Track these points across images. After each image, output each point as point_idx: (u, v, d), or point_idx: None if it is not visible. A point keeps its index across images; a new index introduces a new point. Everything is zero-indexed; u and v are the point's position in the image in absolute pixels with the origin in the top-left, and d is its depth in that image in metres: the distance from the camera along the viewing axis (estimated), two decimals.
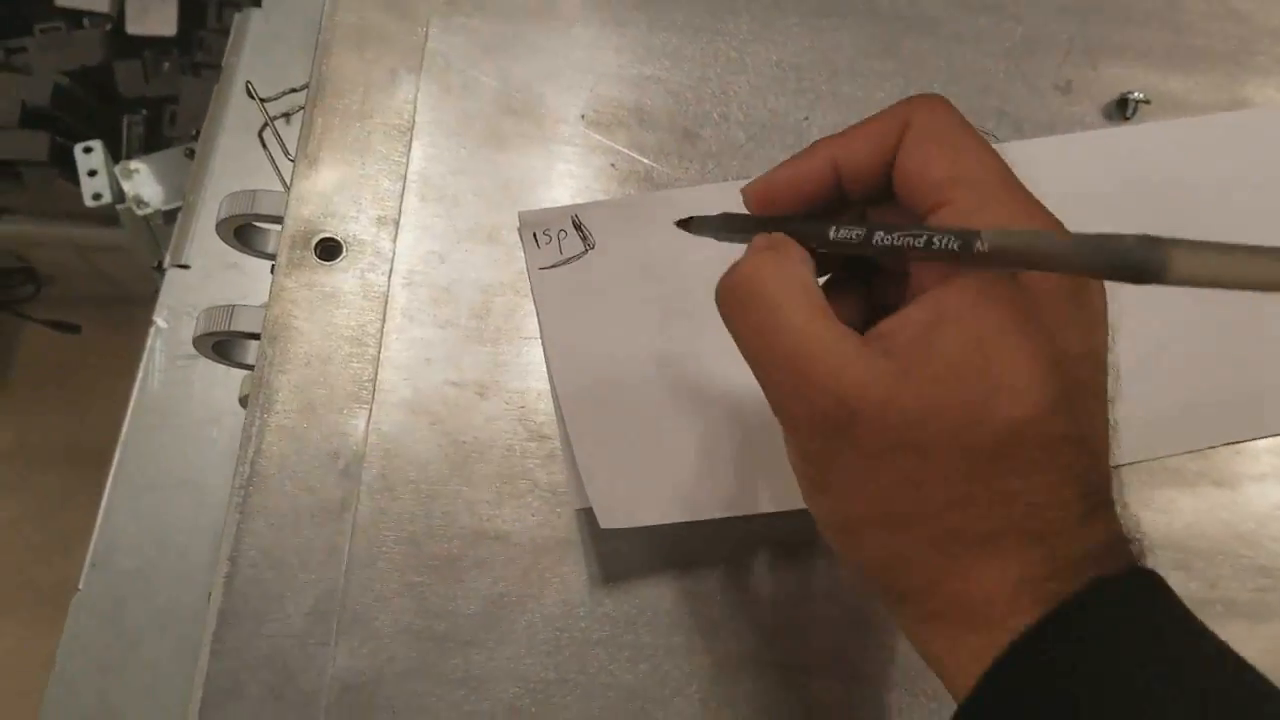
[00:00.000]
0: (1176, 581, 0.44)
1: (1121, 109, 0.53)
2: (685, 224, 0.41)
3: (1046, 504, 0.29)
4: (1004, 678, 0.29)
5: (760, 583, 0.43)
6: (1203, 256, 0.24)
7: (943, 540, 0.30)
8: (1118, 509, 0.31)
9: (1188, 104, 0.54)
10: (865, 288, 0.37)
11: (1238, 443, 0.48)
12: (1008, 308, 0.29)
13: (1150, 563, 0.43)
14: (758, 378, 0.33)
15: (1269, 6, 0.58)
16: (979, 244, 0.28)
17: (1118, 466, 0.46)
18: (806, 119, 0.51)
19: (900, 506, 0.30)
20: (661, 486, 0.43)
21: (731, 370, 0.45)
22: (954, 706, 0.30)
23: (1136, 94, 0.53)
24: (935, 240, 0.30)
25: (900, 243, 0.31)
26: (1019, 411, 0.29)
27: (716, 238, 0.39)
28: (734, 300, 0.34)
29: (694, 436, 0.44)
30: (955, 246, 0.29)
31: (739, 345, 0.34)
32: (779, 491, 0.43)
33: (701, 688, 0.41)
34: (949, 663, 0.30)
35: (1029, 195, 0.32)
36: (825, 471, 0.32)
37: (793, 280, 0.32)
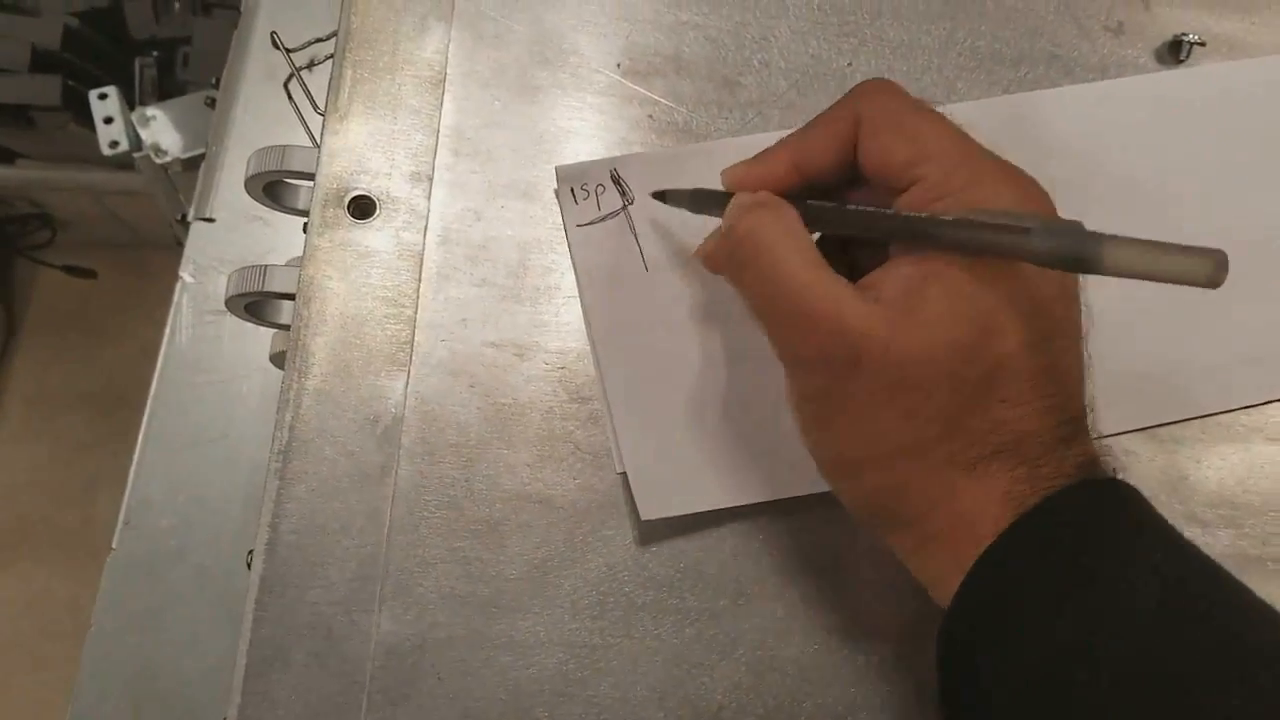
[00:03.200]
0: (1227, 538, 0.44)
1: (1175, 51, 0.52)
2: (660, 195, 0.43)
3: (1030, 430, 0.33)
4: (980, 576, 0.32)
5: (806, 547, 0.42)
6: (1129, 252, 0.28)
7: (939, 467, 0.33)
8: (1094, 438, 0.35)
9: (1244, 45, 0.53)
10: (844, 255, 0.39)
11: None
12: (987, 262, 0.33)
13: (1201, 519, 0.43)
14: (764, 325, 0.36)
15: None
16: (943, 220, 0.33)
17: (1176, 422, 0.46)
18: (850, 64, 0.50)
19: (900, 439, 0.33)
20: (701, 473, 0.42)
21: None
22: None
23: (1191, 36, 0.51)
24: (902, 214, 0.34)
25: (872, 211, 0.35)
26: (1004, 349, 0.32)
27: (692, 210, 0.41)
28: (738, 256, 0.36)
29: (734, 408, 0.43)
30: (922, 217, 0.33)
31: (745, 296, 0.37)
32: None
33: (748, 652, 0.41)
34: (947, 578, 0.33)
35: (988, 158, 0.35)
36: (828, 411, 0.35)
37: (791, 233, 0.35)
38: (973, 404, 0.33)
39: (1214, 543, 0.44)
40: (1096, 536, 0.32)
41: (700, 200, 0.41)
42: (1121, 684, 0.29)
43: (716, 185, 0.44)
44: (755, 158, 0.39)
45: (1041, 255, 0.31)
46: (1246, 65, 0.52)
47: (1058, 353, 0.34)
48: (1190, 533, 0.44)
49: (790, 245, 0.35)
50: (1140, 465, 0.45)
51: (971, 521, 0.33)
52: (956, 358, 0.32)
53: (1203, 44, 0.51)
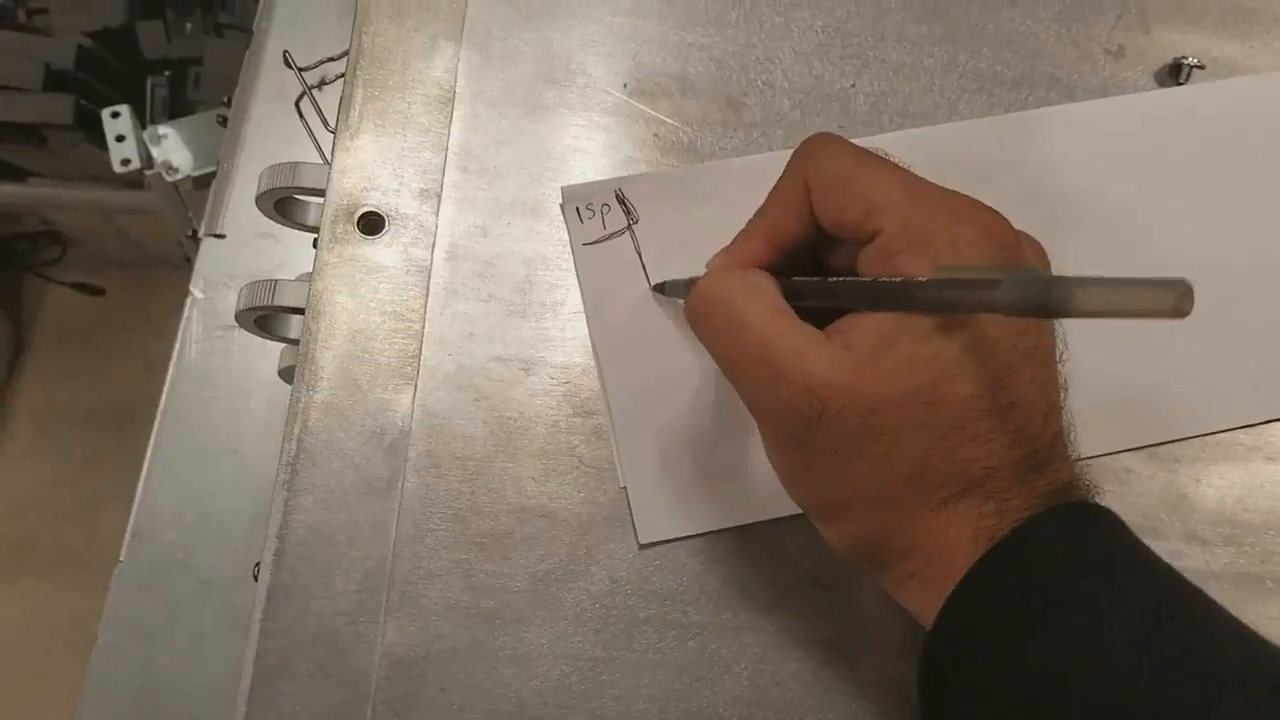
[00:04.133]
0: (1227, 556, 0.45)
1: (1174, 74, 0.52)
2: (659, 288, 0.45)
3: (997, 466, 0.33)
4: (954, 607, 0.33)
5: (808, 561, 0.43)
6: (1096, 293, 0.28)
7: (912, 511, 0.34)
8: (1071, 460, 0.35)
9: (1242, 69, 0.53)
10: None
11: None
12: (931, 324, 0.33)
13: (1201, 538, 0.44)
14: (731, 380, 0.37)
15: None
16: (916, 286, 0.33)
17: (1176, 440, 0.46)
18: (853, 86, 0.50)
19: (871, 486, 0.34)
20: (703, 493, 0.43)
21: None
22: None
23: (1190, 59, 0.52)
24: (879, 281, 0.35)
25: (851, 282, 0.36)
26: (966, 390, 0.33)
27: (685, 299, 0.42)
28: (702, 309, 0.38)
29: (735, 428, 0.44)
30: (897, 281, 0.34)
31: (711, 352, 0.38)
32: None
33: (750, 666, 0.41)
34: (929, 612, 0.34)
35: (939, 200, 0.35)
36: (801, 462, 0.36)
37: (754, 287, 0.36)
38: (938, 447, 0.33)
39: (1213, 561, 0.44)
40: (1065, 563, 0.32)
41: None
42: (1093, 713, 0.30)
43: (720, 202, 0.45)
44: (731, 246, 0.40)
45: (1011, 307, 0.31)
46: (1245, 82, 0.53)
47: (1022, 386, 0.34)
48: (1190, 551, 0.44)
49: (753, 295, 0.36)
50: (1140, 483, 0.45)
51: (947, 558, 0.34)
52: (920, 403, 0.33)
53: (1202, 67, 0.52)
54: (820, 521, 0.37)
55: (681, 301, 0.45)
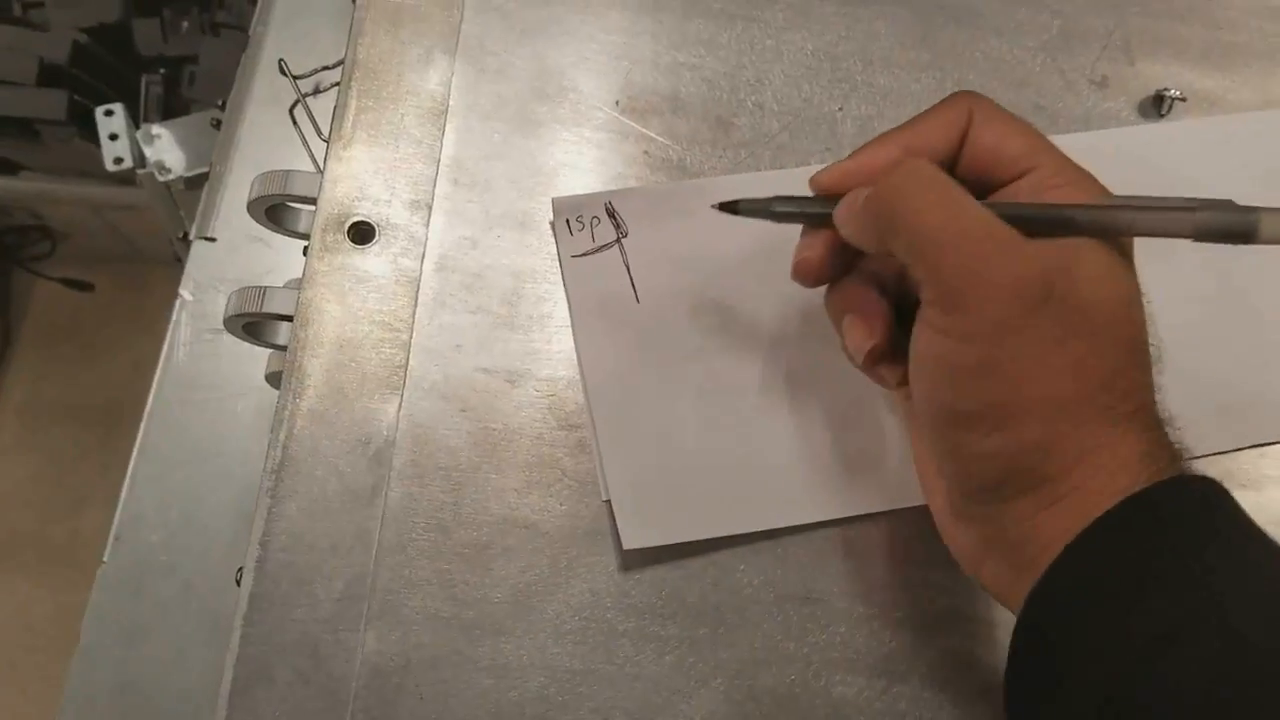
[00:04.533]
0: None
1: (1157, 105, 0.53)
2: (730, 207, 0.41)
3: (1153, 400, 0.35)
4: (1112, 522, 0.32)
5: (785, 578, 0.43)
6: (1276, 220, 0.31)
7: (1092, 420, 0.33)
8: None
9: (1224, 102, 0.54)
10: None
11: (1264, 445, 0.48)
12: (1113, 249, 0.35)
13: None
14: (935, 259, 0.34)
15: None
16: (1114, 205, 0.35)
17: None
18: (840, 109, 0.51)
19: (1066, 386, 0.33)
20: (687, 501, 0.43)
21: (761, 362, 0.45)
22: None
23: (1173, 91, 0.53)
24: (1080, 215, 0.35)
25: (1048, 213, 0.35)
26: (1141, 316, 0.34)
27: (772, 219, 0.40)
28: (914, 182, 0.35)
29: (722, 438, 0.44)
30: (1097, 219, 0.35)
31: (915, 226, 0.34)
32: (810, 501, 0.44)
33: (725, 680, 0.42)
34: (1063, 538, 0.33)
35: (1079, 165, 0.37)
36: (996, 353, 0.33)
37: (946, 179, 0.35)
38: (1126, 359, 0.34)
39: None
40: (1211, 524, 0.32)
41: (783, 206, 0.40)
42: (1214, 667, 0.30)
43: (708, 220, 0.45)
44: (852, 155, 0.39)
45: (1206, 230, 0.33)
46: (1226, 121, 0.53)
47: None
48: None
49: (954, 184, 0.35)
50: None
51: (1112, 475, 0.33)
52: (1121, 310, 0.34)
53: (1184, 99, 0.53)
54: (982, 429, 0.34)
55: (668, 305, 0.45)
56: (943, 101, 0.39)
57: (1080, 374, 0.33)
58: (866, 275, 0.40)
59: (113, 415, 1.53)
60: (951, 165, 0.38)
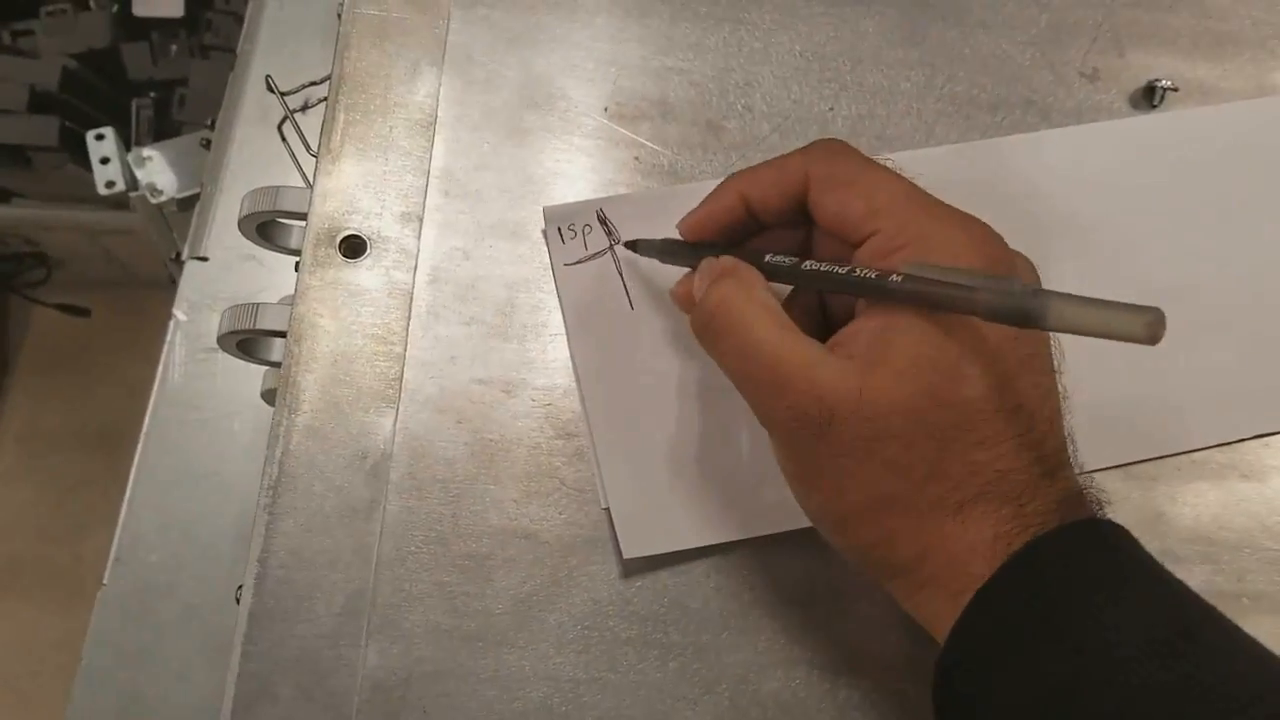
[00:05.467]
0: (1203, 574, 0.45)
1: (1148, 97, 0.53)
2: (632, 245, 0.45)
3: (1009, 469, 0.34)
4: (973, 616, 0.33)
5: (788, 582, 0.43)
6: (1072, 310, 0.30)
7: (925, 515, 0.34)
8: (1075, 472, 0.36)
9: (1216, 91, 0.54)
10: (818, 304, 0.41)
11: (1267, 435, 0.48)
12: (929, 319, 0.34)
13: (1177, 555, 0.44)
14: (743, 394, 0.37)
15: None
16: (893, 279, 0.34)
17: (1152, 459, 0.46)
18: (831, 109, 0.51)
19: (884, 490, 0.34)
20: (685, 510, 0.43)
21: None
22: None
23: (1164, 81, 0.53)
24: (856, 272, 0.35)
25: (826, 270, 0.36)
26: (971, 392, 0.33)
27: (660, 260, 0.44)
28: (711, 328, 0.38)
29: (718, 445, 0.44)
30: (873, 277, 0.35)
31: (720, 364, 0.38)
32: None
33: (730, 687, 0.41)
34: (943, 619, 0.34)
35: (939, 207, 0.37)
36: (813, 470, 0.36)
37: (758, 302, 0.37)
38: (949, 448, 0.34)
39: (1190, 578, 0.44)
40: (1082, 579, 0.32)
41: (669, 250, 0.43)
42: None
43: None
44: (704, 201, 0.41)
45: (989, 312, 0.32)
46: (1217, 111, 0.53)
47: (1026, 391, 0.35)
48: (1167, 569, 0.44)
49: (759, 312, 0.37)
50: (1116, 503, 0.45)
51: (964, 564, 0.34)
52: (927, 404, 0.33)
53: (1175, 89, 0.53)
54: (833, 531, 0.37)
55: (662, 311, 0.45)
56: (787, 157, 0.40)
57: (895, 474, 0.34)
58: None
59: (112, 439, 1.53)
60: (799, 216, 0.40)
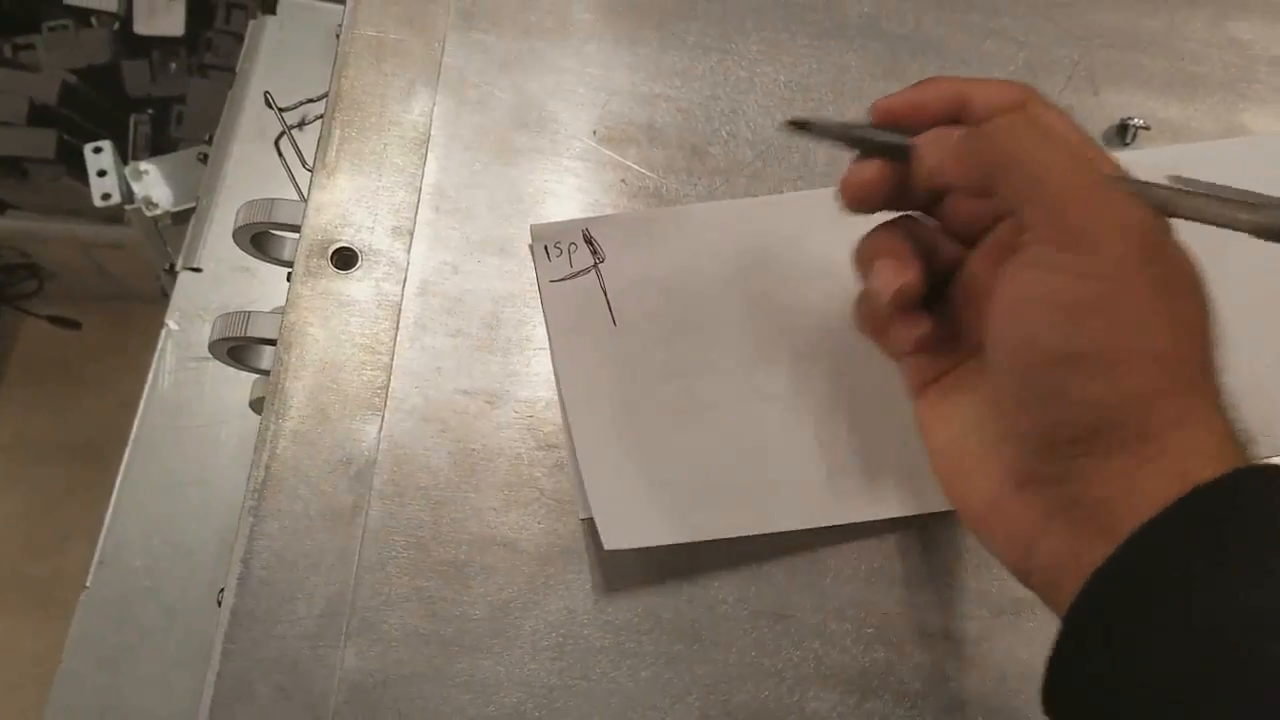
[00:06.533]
0: None
1: (1121, 134, 0.54)
2: (801, 125, 0.40)
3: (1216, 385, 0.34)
4: (1195, 505, 0.31)
5: (760, 594, 0.44)
6: None
7: (1193, 383, 0.33)
8: None
9: (1186, 130, 0.56)
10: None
11: None
12: None
13: None
14: (1050, 198, 0.34)
15: (1268, 35, 0.59)
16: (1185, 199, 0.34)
17: None
18: None
19: (1169, 343, 0.33)
20: (665, 507, 0.44)
21: (736, 383, 0.46)
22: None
23: (1136, 120, 0.54)
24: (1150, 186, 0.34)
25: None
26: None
27: (836, 140, 0.40)
28: (1034, 128, 0.35)
29: (698, 454, 0.45)
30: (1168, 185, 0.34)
31: (1033, 165, 0.35)
32: (782, 511, 0.45)
33: (701, 696, 0.42)
34: (1155, 500, 0.31)
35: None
36: (1115, 292, 0.33)
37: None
38: (1212, 332, 0.34)
39: None
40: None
41: (857, 133, 0.40)
42: None
43: (683, 244, 0.46)
44: (910, 88, 0.39)
45: (1266, 228, 0.32)
46: (1187, 150, 0.55)
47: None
48: None
49: (1072, 133, 0.37)
50: None
51: (1206, 444, 0.32)
52: (1204, 284, 0.34)
53: (1147, 128, 0.54)
54: (1096, 371, 0.33)
55: (644, 327, 0.46)
56: (1004, 82, 0.38)
57: (1184, 331, 0.33)
58: (902, 230, 0.40)
59: (99, 452, 1.52)
60: None
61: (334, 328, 0.46)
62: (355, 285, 0.46)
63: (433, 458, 0.44)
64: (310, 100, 0.59)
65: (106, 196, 1.02)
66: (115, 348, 1.63)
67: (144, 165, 0.96)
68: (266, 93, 0.53)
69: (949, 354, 0.40)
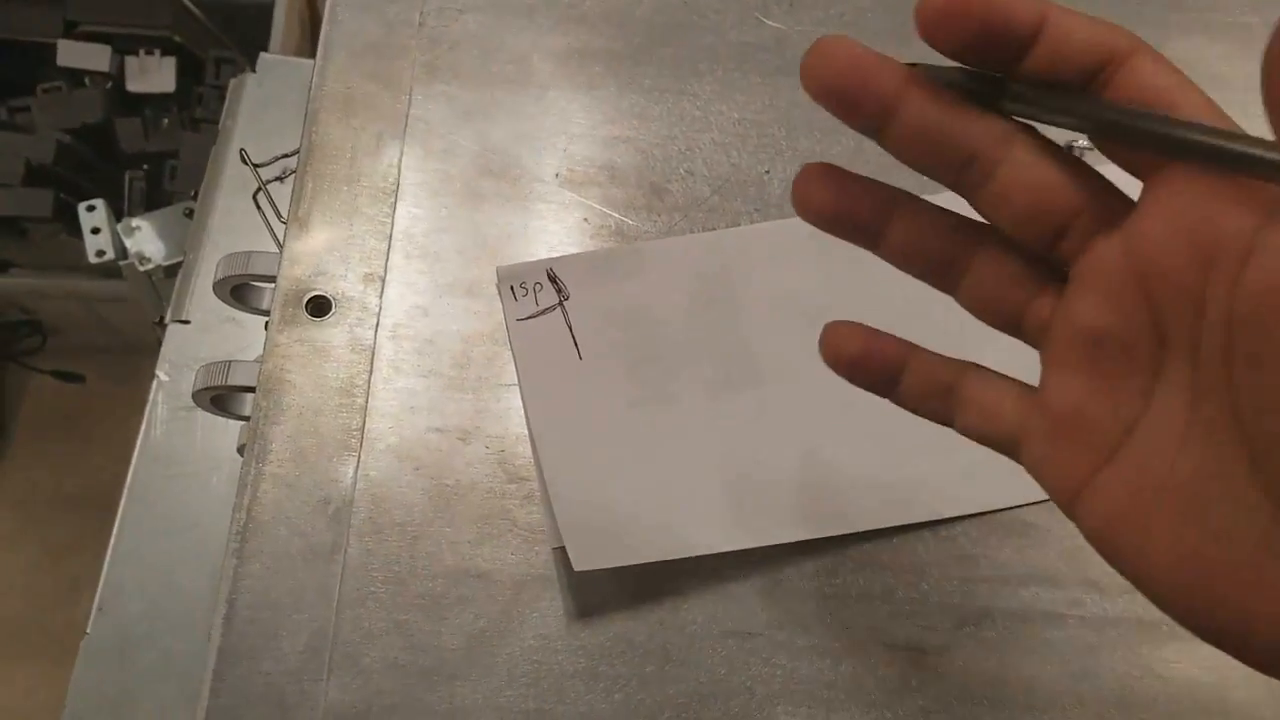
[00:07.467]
0: (1123, 603, 0.47)
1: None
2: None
3: None
4: None
5: (728, 613, 0.46)
6: None
7: None
8: None
9: None
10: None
11: None
12: None
13: (1099, 586, 0.46)
14: None
15: (1210, 55, 0.61)
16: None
17: None
18: (768, 172, 0.54)
19: None
20: (633, 528, 0.46)
21: (699, 409, 0.48)
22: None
23: (1080, 141, 0.56)
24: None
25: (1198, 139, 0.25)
26: None
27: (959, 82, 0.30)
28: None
29: (664, 477, 0.47)
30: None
31: None
32: (747, 529, 0.46)
33: (673, 714, 0.44)
34: None
35: None
36: None
37: None
38: None
39: (1111, 608, 0.47)
40: None
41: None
42: None
43: (645, 280, 0.48)
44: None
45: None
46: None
47: None
48: (1089, 598, 0.47)
49: None
50: (1038, 536, 0.48)
51: None
52: None
53: (1092, 149, 0.56)
54: None
55: (609, 360, 0.48)
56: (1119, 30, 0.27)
57: None
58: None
59: (105, 503, 1.54)
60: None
61: (311, 373, 0.47)
62: (330, 332, 0.48)
63: (408, 494, 0.46)
64: (286, 155, 0.61)
65: (101, 253, 1.04)
66: (119, 399, 1.66)
67: (136, 221, 0.99)
68: (242, 150, 0.56)
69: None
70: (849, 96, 0.29)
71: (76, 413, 1.69)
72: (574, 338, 0.49)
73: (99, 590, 0.62)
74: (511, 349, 0.49)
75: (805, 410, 0.49)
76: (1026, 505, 0.49)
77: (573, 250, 0.52)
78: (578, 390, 0.48)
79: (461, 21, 0.56)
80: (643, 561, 0.45)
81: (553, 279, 0.50)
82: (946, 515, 0.48)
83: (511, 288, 0.50)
